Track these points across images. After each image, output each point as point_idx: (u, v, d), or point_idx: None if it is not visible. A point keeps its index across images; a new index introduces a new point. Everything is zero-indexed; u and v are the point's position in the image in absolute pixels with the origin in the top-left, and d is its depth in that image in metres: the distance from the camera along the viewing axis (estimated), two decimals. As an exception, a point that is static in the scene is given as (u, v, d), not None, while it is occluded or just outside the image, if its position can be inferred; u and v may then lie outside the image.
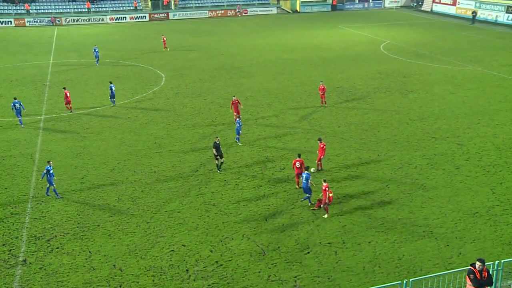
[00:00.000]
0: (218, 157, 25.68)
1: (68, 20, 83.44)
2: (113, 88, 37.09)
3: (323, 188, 20.78)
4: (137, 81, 44.44)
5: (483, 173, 24.96)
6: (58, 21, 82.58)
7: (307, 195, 21.99)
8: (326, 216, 21.05)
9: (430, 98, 37.72)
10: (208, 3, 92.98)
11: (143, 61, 53.04)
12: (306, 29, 73.18)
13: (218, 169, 25.81)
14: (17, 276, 17.63)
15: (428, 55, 53.29)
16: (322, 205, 21.18)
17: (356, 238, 19.52)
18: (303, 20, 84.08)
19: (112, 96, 37.13)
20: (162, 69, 49.10)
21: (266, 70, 47.85)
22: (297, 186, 23.75)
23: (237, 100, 32.62)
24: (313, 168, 25.57)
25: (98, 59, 51.56)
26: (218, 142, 25.54)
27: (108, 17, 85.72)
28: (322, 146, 25.19)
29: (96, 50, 51.56)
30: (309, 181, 21.57)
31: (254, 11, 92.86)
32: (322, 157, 25.26)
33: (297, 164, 23.39)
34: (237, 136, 29.56)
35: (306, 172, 21.92)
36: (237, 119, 29.79)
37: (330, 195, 20.92)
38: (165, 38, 59.53)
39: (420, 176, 24.68)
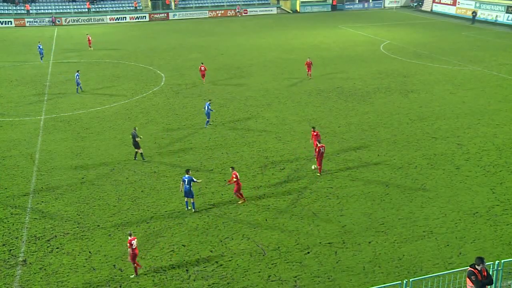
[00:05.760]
0: (135, 148, 26.85)
1: (68, 20, 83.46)
2: (77, 76, 40.26)
3: None
4: (137, 81, 44.45)
5: (483, 173, 24.96)
6: (58, 21, 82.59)
7: (191, 200, 21.55)
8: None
9: (430, 98, 37.72)
10: (208, 3, 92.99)
11: (143, 61, 53.05)
12: (306, 29, 73.19)
13: (142, 158, 27.06)
14: (17, 276, 17.63)
15: (428, 55, 53.30)
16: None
17: (356, 238, 19.52)
18: (303, 20, 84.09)
19: (78, 83, 40.31)
20: (162, 69, 49.11)
21: (266, 70, 47.85)
22: (316, 153, 25.05)
23: (204, 67, 42.54)
24: (314, 166, 25.51)
25: (43, 56, 53.28)
26: (133, 132, 26.61)
27: (108, 17, 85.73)
28: (315, 134, 26.05)
29: (41, 47, 53.15)
30: (192, 182, 21.25)
31: (254, 11, 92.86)
32: (318, 150, 24.54)
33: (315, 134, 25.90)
34: (208, 119, 31.99)
35: (187, 175, 21.38)
36: (207, 103, 32.00)
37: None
38: (90, 38, 60.70)
39: (420, 176, 24.67)
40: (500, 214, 21.06)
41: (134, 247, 17.12)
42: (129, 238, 17.27)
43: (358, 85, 41.85)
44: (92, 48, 59.84)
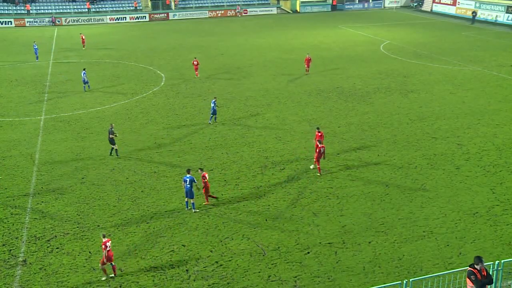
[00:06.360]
0: (111, 144, 27.54)
1: (68, 20, 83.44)
2: (84, 74, 41.03)
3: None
4: (137, 81, 44.45)
5: (483, 173, 24.96)
6: (58, 21, 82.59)
7: (192, 200, 21.59)
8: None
9: (430, 98, 37.72)
10: (208, 3, 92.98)
11: (143, 61, 53.05)
12: (306, 29, 73.19)
13: (116, 155, 27.77)
14: (17, 276, 17.63)
15: (428, 55, 53.30)
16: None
17: (356, 238, 19.52)
18: (303, 20, 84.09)
19: (85, 82, 41.01)
20: (162, 69, 49.11)
21: (266, 70, 47.85)
22: (316, 153, 24.87)
23: (196, 61, 45.26)
24: (312, 165, 25.61)
25: (37, 56, 53.43)
26: (110, 129, 27.38)
27: (108, 17, 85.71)
28: (319, 134, 25.76)
29: (36, 47, 53.47)
30: (193, 184, 21.26)
31: (254, 11, 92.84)
32: (318, 150, 24.60)
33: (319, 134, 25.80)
34: (213, 116, 32.76)
35: (189, 175, 21.42)
36: (213, 100, 32.99)
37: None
38: (83, 37, 61.38)
39: (420, 176, 24.67)
40: (500, 214, 21.06)
41: (108, 249, 16.99)
42: (104, 240, 17.12)
43: (358, 85, 41.85)
44: (85, 48, 60.17)
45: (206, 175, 21.91)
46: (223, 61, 52.67)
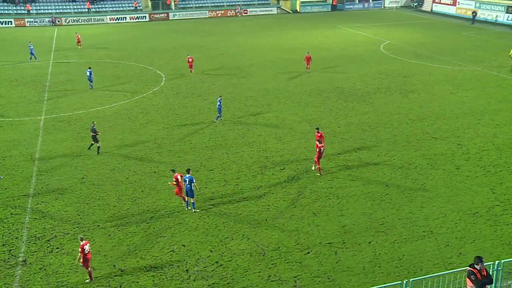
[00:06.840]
0: (94, 141, 28.03)
1: (68, 20, 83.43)
2: (89, 73, 41.53)
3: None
4: (137, 81, 44.45)
5: (483, 173, 24.96)
6: (58, 21, 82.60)
7: (192, 200, 21.59)
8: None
9: (430, 98, 37.72)
10: (208, 3, 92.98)
11: (143, 61, 53.05)
12: (306, 29, 73.19)
13: (96, 151, 28.20)
14: (17, 276, 17.63)
15: (428, 55, 53.30)
16: None
17: (356, 238, 19.52)
18: (303, 20, 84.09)
19: (90, 80, 41.66)
20: (162, 69, 49.11)
21: (266, 70, 47.85)
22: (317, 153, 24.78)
23: (191, 58, 46.41)
24: (314, 166, 25.61)
25: (34, 56, 53.39)
26: (92, 126, 27.91)
27: (108, 17, 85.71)
28: (319, 135, 25.53)
29: (31, 47, 53.66)
30: (192, 184, 21.24)
31: (254, 11, 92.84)
32: (318, 150, 24.65)
33: (318, 134, 25.61)
34: (219, 115, 33.19)
35: (188, 175, 21.42)
36: (219, 98, 33.26)
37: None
38: (79, 36, 61.84)
39: (420, 176, 24.67)
40: (500, 214, 21.06)
41: (86, 252, 16.90)
42: (81, 243, 16.93)
43: (358, 85, 41.84)
44: (80, 47, 60.39)
45: (179, 177, 21.69)
46: (223, 61, 52.67)
